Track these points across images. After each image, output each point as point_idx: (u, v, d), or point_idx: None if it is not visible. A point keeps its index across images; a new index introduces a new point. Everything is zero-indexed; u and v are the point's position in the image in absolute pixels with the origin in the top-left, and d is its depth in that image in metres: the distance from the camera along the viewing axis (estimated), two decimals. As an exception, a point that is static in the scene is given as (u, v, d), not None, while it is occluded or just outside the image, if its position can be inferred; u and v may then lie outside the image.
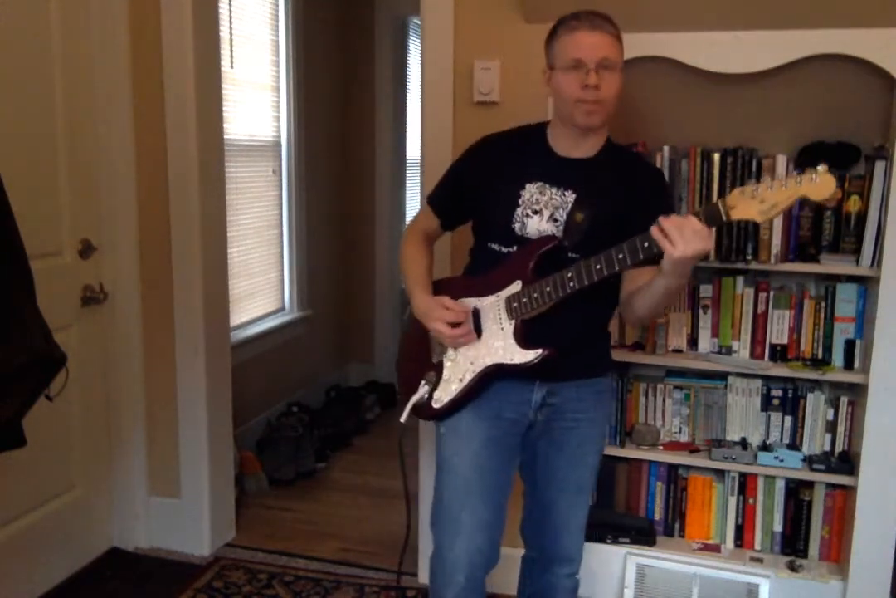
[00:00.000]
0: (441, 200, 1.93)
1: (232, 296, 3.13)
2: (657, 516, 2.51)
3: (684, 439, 2.46)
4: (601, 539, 2.49)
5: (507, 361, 1.72)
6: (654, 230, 1.49)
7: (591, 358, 1.86)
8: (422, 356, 1.87)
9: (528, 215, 1.74)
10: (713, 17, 2.15)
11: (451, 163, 1.94)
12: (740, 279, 2.33)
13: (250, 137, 3.56)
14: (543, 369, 1.71)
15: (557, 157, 1.77)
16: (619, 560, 2.47)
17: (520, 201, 1.74)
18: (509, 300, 1.72)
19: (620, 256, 1.56)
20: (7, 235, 1.63)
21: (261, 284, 3.77)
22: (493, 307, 1.75)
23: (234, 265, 3.36)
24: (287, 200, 3.90)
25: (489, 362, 1.74)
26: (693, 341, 2.39)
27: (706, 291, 2.36)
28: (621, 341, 2.43)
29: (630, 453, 2.45)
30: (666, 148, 2.28)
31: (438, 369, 1.83)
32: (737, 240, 2.24)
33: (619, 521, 2.50)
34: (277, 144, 3.82)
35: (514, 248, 1.75)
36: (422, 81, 2.42)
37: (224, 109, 2.76)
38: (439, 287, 1.87)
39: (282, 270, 3.95)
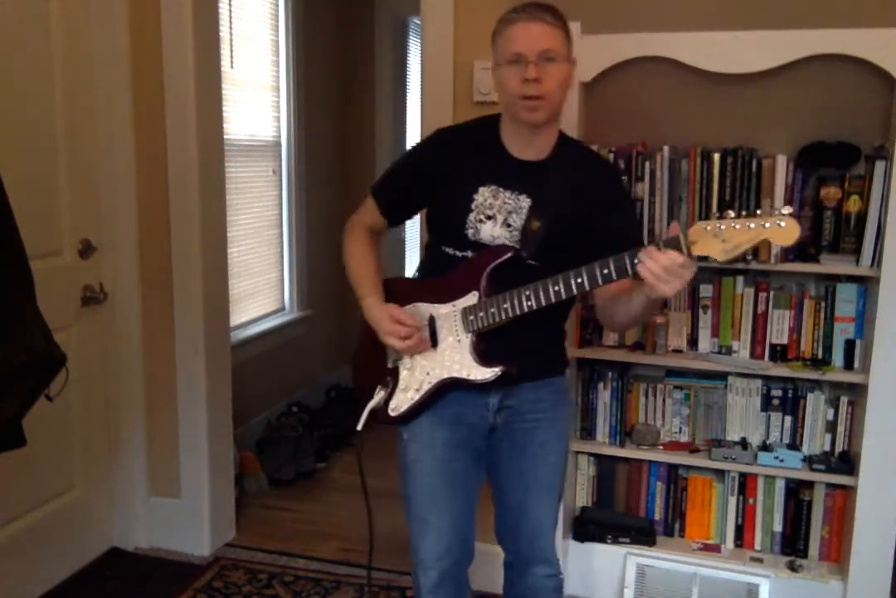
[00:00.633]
0: (389, 194, 1.86)
1: (232, 296, 3.13)
2: (657, 516, 2.51)
3: (684, 439, 2.47)
4: (601, 539, 2.49)
5: (465, 376, 1.70)
6: (645, 274, 1.45)
7: (547, 360, 1.84)
8: (376, 361, 1.83)
9: (481, 221, 1.70)
10: (713, 17, 2.15)
11: (402, 156, 1.87)
12: (740, 279, 2.33)
13: (250, 137, 3.56)
14: (500, 380, 1.70)
15: (511, 158, 1.72)
16: (619, 560, 2.47)
17: (472, 206, 1.70)
18: (465, 312, 1.69)
19: (579, 280, 1.55)
20: (7, 235, 1.63)
21: (261, 284, 3.77)
22: (449, 317, 1.72)
23: (234, 265, 3.36)
24: (287, 200, 3.90)
25: (445, 375, 1.72)
26: (693, 341, 2.39)
27: (706, 291, 2.36)
28: (621, 341, 2.44)
29: (630, 453, 2.45)
30: (666, 148, 2.29)
31: (394, 374, 1.80)
32: (737, 240, 2.24)
33: (619, 521, 2.51)
34: (277, 144, 3.82)
35: (469, 252, 1.72)
36: (422, 81, 2.42)
37: (224, 109, 2.76)
38: (391, 288, 1.82)
39: (282, 270, 3.95)
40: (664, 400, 2.45)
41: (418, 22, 3.62)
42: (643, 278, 1.46)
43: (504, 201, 1.70)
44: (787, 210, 1.39)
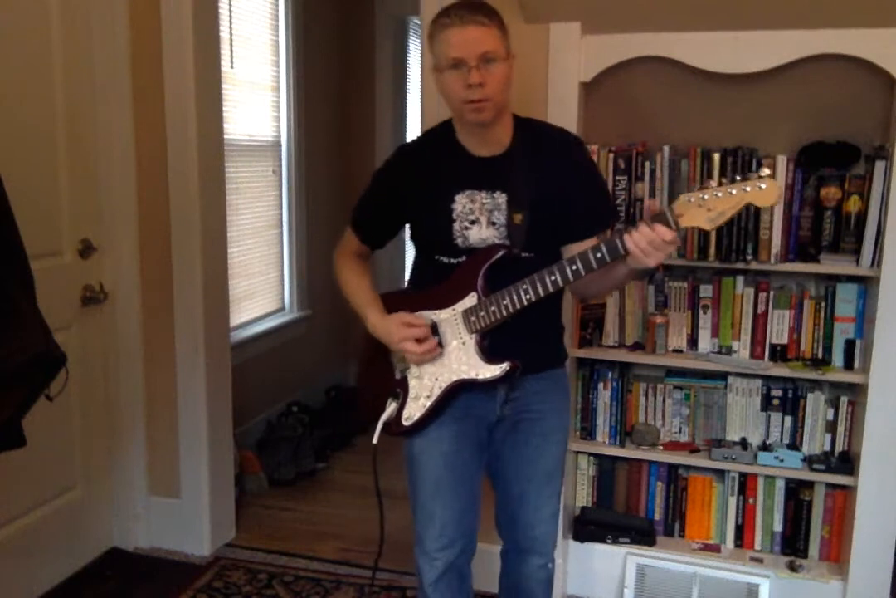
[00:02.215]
0: (366, 222, 1.90)
1: (232, 296, 3.13)
2: (657, 516, 2.51)
3: (684, 439, 2.47)
4: (601, 539, 2.49)
5: (473, 376, 1.72)
6: (631, 247, 1.50)
7: (548, 351, 1.87)
8: (384, 375, 1.85)
9: (466, 228, 1.72)
10: (713, 17, 2.15)
11: (371, 182, 1.87)
12: (740, 279, 2.33)
13: (250, 137, 3.56)
14: (506, 376, 1.71)
15: (474, 158, 1.74)
16: (619, 560, 2.47)
17: (454, 216, 1.72)
18: (467, 314, 1.71)
19: (574, 267, 1.58)
20: (7, 235, 1.63)
21: (261, 284, 3.77)
22: (451, 321, 1.73)
23: (234, 265, 3.36)
24: (287, 200, 3.90)
25: (454, 378, 1.74)
26: (693, 341, 2.39)
27: (706, 291, 2.36)
28: (621, 340, 2.44)
29: (630, 453, 2.45)
30: (666, 148, 2.29)
31: (403, 385, 1.81)
32: (737, 240, 2.24)
33: (619, 521, 2.51)
34: (277, 144, 3.82)
35: (463, 258, 1.74)
36: (422, 81, 2.41)
37: (224, 109, 2.76)
38: (388, 302, 1.84)
39: (282, 270, 3.95)
40: (664, 400, 2.45)
41: (418, 22, 3.62)
42: (629, 251, 1.52)
43: (482, 202, 1.71)
44: (765, 172, 1.43)
